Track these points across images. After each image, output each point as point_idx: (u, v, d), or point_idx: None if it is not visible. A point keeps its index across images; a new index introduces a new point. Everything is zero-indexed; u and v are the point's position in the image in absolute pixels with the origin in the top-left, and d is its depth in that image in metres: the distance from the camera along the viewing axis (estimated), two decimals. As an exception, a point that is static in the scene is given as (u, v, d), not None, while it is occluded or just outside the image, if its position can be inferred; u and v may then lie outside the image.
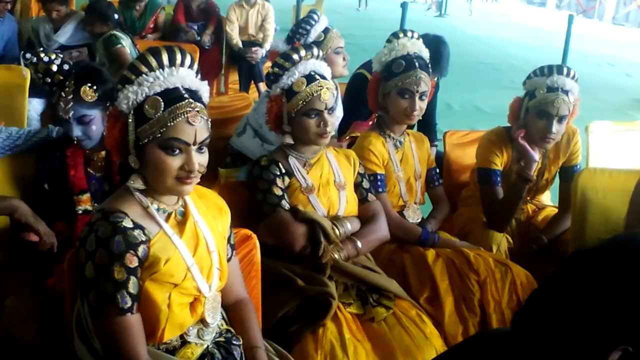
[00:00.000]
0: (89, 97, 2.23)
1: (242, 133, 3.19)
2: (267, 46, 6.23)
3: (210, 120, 1.67)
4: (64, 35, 4.79)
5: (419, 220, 2.84)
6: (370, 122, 3.30)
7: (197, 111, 1.60)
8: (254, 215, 2.31)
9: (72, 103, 2.23)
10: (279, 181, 2.28)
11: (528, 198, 3.14)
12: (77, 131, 2.26)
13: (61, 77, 2.26)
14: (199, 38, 6.18)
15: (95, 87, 2.24)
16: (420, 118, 2.84)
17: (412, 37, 2.76)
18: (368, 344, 2.17)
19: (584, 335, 1.02)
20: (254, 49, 6.18)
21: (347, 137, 3.29)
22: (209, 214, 1.77)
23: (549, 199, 3.35)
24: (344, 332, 2.12)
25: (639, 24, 22.13)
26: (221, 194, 2.11)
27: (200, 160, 1.62)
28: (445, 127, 5.39)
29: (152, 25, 6.19)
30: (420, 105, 2.71)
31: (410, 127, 3.90)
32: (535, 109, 2.80)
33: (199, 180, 1.65)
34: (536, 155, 2.81)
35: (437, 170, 3.09)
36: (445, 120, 7.11)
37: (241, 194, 2.37)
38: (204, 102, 1.65)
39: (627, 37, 19.13)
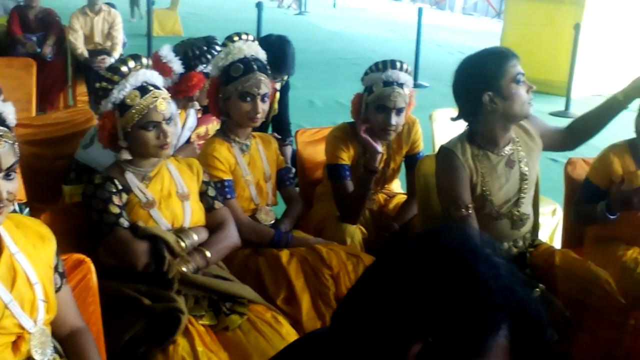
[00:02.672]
0: None
1: (89, 145, 3.02)
2: (116, 55, 6.00)
3: (17, 143, 1.54)
4: None
5: (273, 222, 2.82)
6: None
7: (0, 135, 1.47)
8: (93, 237, 2.19)
9: None
10: (115, 199, 2.17)
11: (378, 188, 3.20)
12: None
13: None
14: (39, 50, 5.79)
15: None
16: (265, 119, 2.82)
17: (247, 39, 2.73)
18: (224, 354, 2.12)
19: (386, 330, 1.02)
20: (100, 57, 5.90)
21: (201, 136, 3.22)
22: (29, 244, 1.63)
23: (399, 187, 3.43)
24: (196, 345, 2.06)
25: (486, 12, 23.29)
26: (55, 219, 1.98)
27: (9, 187, 1.49)
28: (308, 123, 5.43)
29: (-18, 38, 5.80)
30: (263, 108, 2.69)
31: (264, 127, 3.88)
32: (374, 103, 2.87)
33: (10, 209, 1.52)
34: (379, 147, 2.86)
35: (290, 170, 3.08)
36: (308, 117, 7.17)
37: (77, 215, 2.24)
38: (8, 125, 1.52)
39: (476, 26, 20.07)
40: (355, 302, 1.10)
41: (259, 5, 8.17)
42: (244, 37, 2.73)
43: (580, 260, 2.66)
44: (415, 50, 9.96)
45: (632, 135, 2.84)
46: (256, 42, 2.77)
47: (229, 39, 2.72)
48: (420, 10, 10.13)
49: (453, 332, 0.99)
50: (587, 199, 2.85)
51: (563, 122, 2.87)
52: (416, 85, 9.45)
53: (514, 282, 1.05)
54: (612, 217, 2.70)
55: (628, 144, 2.87)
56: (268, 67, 2.73)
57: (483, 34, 16.47)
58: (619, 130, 2.98)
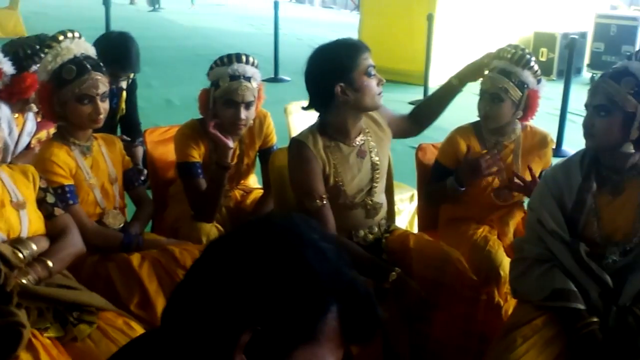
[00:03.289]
0: None
1: None
2: None
3: None
4: None
5: (122, 225, 2.78)
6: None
7: None
8: None
9: None
10: (-59, 213, 2.06)
11: (234, 184, 3.22)
12: None
13: None
14: None
15: None
16: (112, 120, 2.77)
17: (74, 37, 2.65)
18: (74, 366, 2.06)
19: (214, 321, 1.03)
20: None
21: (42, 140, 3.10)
22: None
23: (256, 182, 3.47)
24: (41, 359, 1.99)
25: (346, 5, 23.85)
26: None
27: None
28: (166, 123, 5.36)
29: None
30: (104, 107, 2.65)
31: (112, 128, 3.80)
32: (222, 98, 2.89)
33: None
34: (230, 142, 2.89)
35: (141, 171, 3.05)
36: (166, 116, 7.08)
37: None
38: None
39: (335, 18, 20.52)
40: (182, 295, 1.11)
41: (106, 3, 7.95)
42: (69, 35, 2.63)
43: (433, 241, 2.81)
44: (274, 44, 10.06)
45: (477, 118, 3.03)
46: (83, 39, 2.69)
47: (54, 39, 2.62)
48: (276, 4, 10.23)
49: (282, 318, 1.03)
50: (437, 180, 3.01)
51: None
52: (277, 80, 9.55)
53: (341, 265, 1.10)
54: (462, 188, 2.87)
55: (473, 126, 3.06)
56: (102, 64, 2.68)
57: (342, 26, 16.86)
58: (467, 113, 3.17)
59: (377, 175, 2.72)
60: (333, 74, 2.52)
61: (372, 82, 2.55)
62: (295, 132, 3.82)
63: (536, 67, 2.89)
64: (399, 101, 8.21)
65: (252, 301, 1.02)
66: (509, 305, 2.78)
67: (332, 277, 1.07)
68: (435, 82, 9.14)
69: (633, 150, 2.34)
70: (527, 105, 2.90)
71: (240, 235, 1.11)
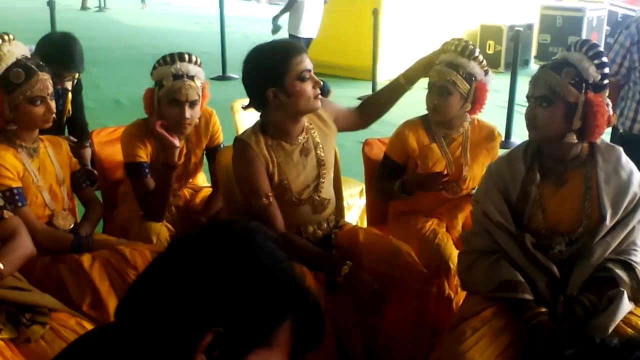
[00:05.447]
0: None
1: None
2: None
3: None
4: None
5: (72, 226, 2.79)
6: None
7: None
8: None
9: None
10: None
11: (182, 183, 3.24)
12: None
13: None
14: None
15: None
16: (59, 121, 2.73)
17: (9, 40, 2.63)
18: (28, 367, 2.09)
19: (176, 321, 1.06)
20: None
21: None
22: None
23: (205, 181, 3.46)
24: (-5, 361, 2.01)
25: (293, 1, 23.84)
26: None
27: None
28: (115, 123, 5.29)
29: None
30: (54, 106, 2.67)
31: (59, 130, 3.73)
32: (166, 97, 2.89)
33: None
34: (177, 141, 2.88)
35: (90, 172, 3.02)
36: (115, 116, 6.99)
37: None
38: None
39: (283, 15, 20.43)
40: (142, 293, 1.12)
41: (50, 4, 7.85)
42: (6, 38, 2.62)
43: (382, 235, 2.84)
44: (220, 41, 9.98)
45: (425, 112, 3.05)
46: (18, 41, 2.66)
47: None
48: (221, 2, 10.16)
49: (245, 322, 1.06)
50: (387, 174, 3.03)
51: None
52: (225, 78, 9.50)
53: (295, 275, 1.15)
54: (408, 195, 2.89)
55: (421, 120, 3.09)
56: (44, 64, 2.68)
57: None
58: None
59: (324, 171, 2.72)
60: (265, 78, 2.51)
61: (306, 87, 2.50)
62: (242, 129, 3.78)
63: (481, 58, 2.92)
64: (347, 97, 8.25)
65: (215, 303, 1.05)
66: (460, 297, 2.81)
67: (289, 285, 1.12)
68: (384, 77, 9.22)
69: (576, 141, 2.39)
70: (475, 98, 2.93)
71: (205, 239, 1.14)
